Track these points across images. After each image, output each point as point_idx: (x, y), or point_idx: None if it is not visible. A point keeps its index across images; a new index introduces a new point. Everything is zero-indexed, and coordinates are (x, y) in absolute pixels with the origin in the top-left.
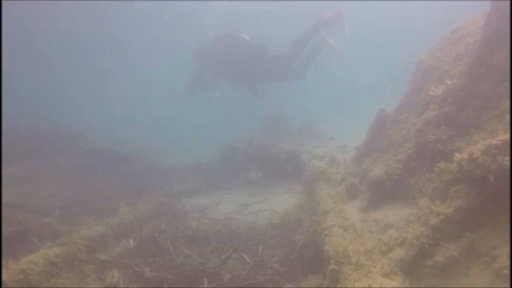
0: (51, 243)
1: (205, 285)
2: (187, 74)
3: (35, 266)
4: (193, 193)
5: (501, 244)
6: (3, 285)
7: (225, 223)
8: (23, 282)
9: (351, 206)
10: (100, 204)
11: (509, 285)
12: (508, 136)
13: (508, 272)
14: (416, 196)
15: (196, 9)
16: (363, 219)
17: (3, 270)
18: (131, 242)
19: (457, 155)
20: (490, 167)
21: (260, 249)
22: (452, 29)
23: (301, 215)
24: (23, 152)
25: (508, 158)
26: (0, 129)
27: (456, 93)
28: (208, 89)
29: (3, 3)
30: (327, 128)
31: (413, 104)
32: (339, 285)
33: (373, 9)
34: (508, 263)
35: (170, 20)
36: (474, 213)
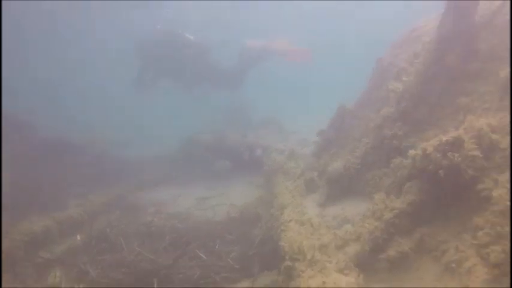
0: None
1: (155, 286)
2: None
3: None
4: (151, 186)
5: (450, 238)
6: None
7: (181, 218)
8: None
9: (310, 200)
10: (48, 196)
11: (456, 280)
12: (458, 133)
13: (455, 265)
14: (372, 191)
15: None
16: (320, 213)
17: None
18: (78, 238)
19: (412, 151)
20: (442, 163)
21: (217, 245)
22: (411, 27)
23: (259, 209)
24: None
25: (458, 155)
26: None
27: (412, 91)
28: (151, 86)
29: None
30: (290, 123)
31: (372, 100)
32: (292, 282)
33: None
34: (456, 257)
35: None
36: (426, 208)
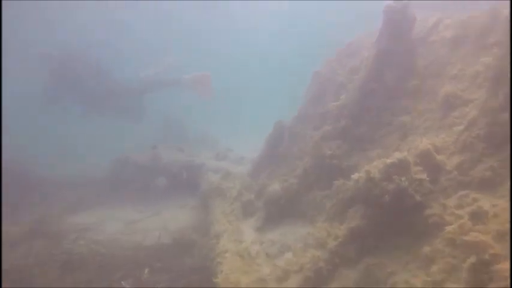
0: None
1: None
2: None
3: None
4: (77, 209)
5: (399, 269)
6: None
7: (106, 243)
8: None
9: (247, 224)
10: None
11: None
12: (403, 155)
13: None
14: (313, 214)
15: None
16: (259, 239)
17: None
18: None
19: (355, 174)
20: (388, 187)
21: (145, 274)
22: (347, 43)
23: (193, 234)
24: None
25: (404, 178)
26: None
27: (351, 108)
28: (56, 103)
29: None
30: (226, 140)
31: (311, 116)
32: None
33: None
34: None
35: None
36: (371, 235)
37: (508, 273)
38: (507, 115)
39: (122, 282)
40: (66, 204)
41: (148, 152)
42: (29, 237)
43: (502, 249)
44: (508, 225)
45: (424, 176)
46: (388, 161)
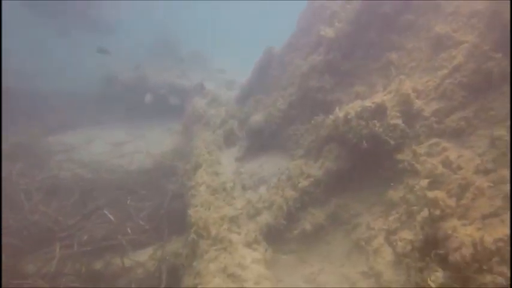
0: None
1: (57, 251)
2: None
3: None
4: (64, 127)
5: (363, 211)
6: None
7: (93, 166)
8: None
9: (228, 154)
10: None
11: (362, 258)
12: (381, 99)
13: (364, 243)
14: (293, 147)
15: None
16: (237, 170)
17: None
18: None
19: (333, 115)
20: (362, 132)
21: (128, 201)
22: None
23: (176, 160)
24: None
25: (379, 124)
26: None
27: (341, 41)
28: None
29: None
30: (220, 59)
31: (301, 44)
32: (195, 263)
33: None
34: (366, 235)
35: None
36: (342, 176)
37: (452, 231)
38: (493, 63)
39: (105, 212)
40: (54, 122)
41: (135, 71)
42: (14, 157)
43: (456, 206)
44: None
45: (399, 121)
46: (366, 104)
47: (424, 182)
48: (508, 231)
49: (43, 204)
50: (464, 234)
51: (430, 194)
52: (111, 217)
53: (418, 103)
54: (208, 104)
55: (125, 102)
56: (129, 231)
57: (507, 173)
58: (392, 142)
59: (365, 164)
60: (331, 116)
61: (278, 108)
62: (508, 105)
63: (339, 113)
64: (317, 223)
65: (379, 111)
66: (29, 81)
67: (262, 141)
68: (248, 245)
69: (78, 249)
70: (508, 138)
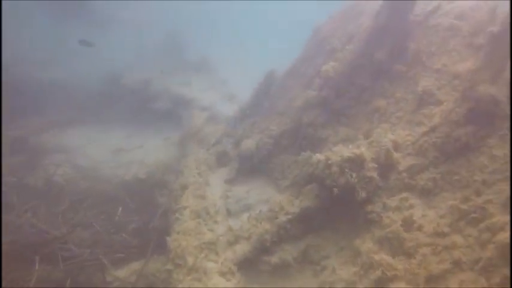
0: None
1: (37, 266)
2: None
3: None
4: (63, 123)
5: (332, 253)
6: None
7: (88, 173)
8: None
9: (218, 175)
10: None
11: None
12: (361, 150)
13: (328, 286)
14: (279, 177)
15: None
16: (225, 193)
17: None
18: None
19: (316, 156)
20: (338, 180)
21: (117, 215)
22: (352, 3)
23: (167, 175)
24: None
25: (355, 175)
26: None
27: (336, 80)
28: None
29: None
30: (226, 66)
31: (302, 72)
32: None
33: None
34: (331, 279)
35: None
36: (318, 216)
37: None
38: (463, 131)
39: (93, 224)
40: (54, 117)
41: (142, 74)
42: (11, 153)
43: (403, 270)
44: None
45: (374, 174)
46: (346, 154)
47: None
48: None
49: (32, 211)
50: None
51: (377, 257)
52: (99, 228)
53: (395, 156)
54: (207, 120)
55: (128, 104)
56: (115, 245)
57: (459, 239)
58: (364, 194)
59: (341, 208)
60: (315, 156)
61: (270, 135)
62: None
63: (322, 156)
64: (289, 259)
65: (358, 162)
66: (38, 70)
67: (252, 166)
68: (223, 274)
69: (62, 263)
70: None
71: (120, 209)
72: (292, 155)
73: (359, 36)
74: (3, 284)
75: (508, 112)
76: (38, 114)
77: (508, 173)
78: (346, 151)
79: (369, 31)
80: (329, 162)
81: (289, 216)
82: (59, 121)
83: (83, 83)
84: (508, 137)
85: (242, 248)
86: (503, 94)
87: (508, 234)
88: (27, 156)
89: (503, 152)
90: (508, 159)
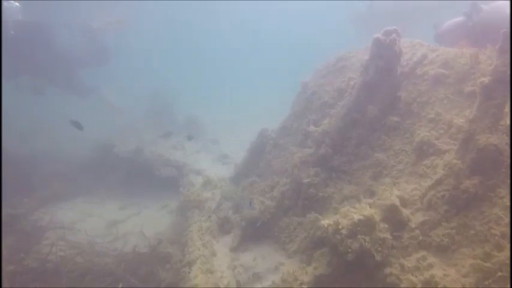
0: None
1: None
2: None
3: None
4: (56, 198)
5: None
6: None
7: (84, 248)
8: None
9: (223, 242)
10: None
11: None
12: (370, 212)
13: None
14: (286, 241)
15: None
16: (231, 263)
17: None
18: None
19: (325, 222)
20: (352, 246)
21: None
22: (337, 56)
23: (169, 247)
24: None
25: (368, 238)
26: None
27: (332, 136)
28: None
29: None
30: (212, 125)
31: (294, 130)
32: None
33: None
34: None
35: None
36: (333, 283)
37: None
38: (470, 182)
39: None
40: (45, 193)
41: (132, 143)
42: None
43: None
44: None
45: (387, 235)
46: (356, 217)
47: None
48: None
49: None
50: None
51: None
52: None
53: (405, 213)
54: (203, 185)
55: (121, 174)
56: None
57: None
58: (379, 258)
59: (356, 273)
60: (323, 221)
61: (271, 196)
62: None
63: (330, 221)
64: None
65: (369, 224)
66: (21, 143)
67: (255, 230)
68: None
69: None
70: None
71: (121, 284)
72: (296, 216)
73: (350, 91)
74: None
75: None
76: (26, 189)
77: None
78: (355, 213)
79: (358, 86)
80: (339, 227)
81: (305, 287)
82: (49, 196)
83: (72, 154)
84: None
85: None
86: (504, 142)
87: None
88: (21, 237)
89: None
90: None
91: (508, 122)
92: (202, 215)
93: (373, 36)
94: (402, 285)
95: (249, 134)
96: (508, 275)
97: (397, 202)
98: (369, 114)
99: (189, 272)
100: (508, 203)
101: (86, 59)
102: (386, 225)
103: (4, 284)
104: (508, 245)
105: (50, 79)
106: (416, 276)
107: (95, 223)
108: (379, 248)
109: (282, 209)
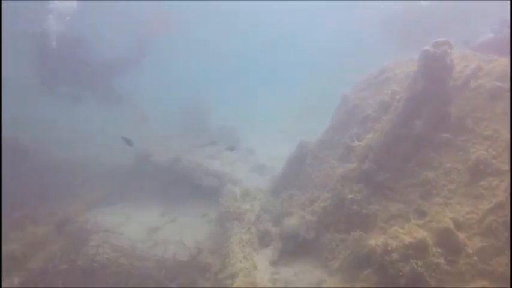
0: None
1: None
2: None
3: None
4: (100, 205)
5: None
6: None
7: (127, 252)
8: None
9: (263, 255)
10: None
11: None
12: (422, 235)
13: None
14: (328, 257)
15: None
16: (272, 277)
17: None
18: (16, 282)
19: (372, 242)
20: (404, 270)
21: None
22: (380, 68)
23: (209, 257)
24: None
25: (421, 263)
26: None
27: (376, 151)
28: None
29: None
30: (248, 135)
31: (335, 143)
32: None
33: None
34: None
35: None
36: None
37: None
38: None
39: None
40: (90, 198)
41: (169, 152)
42: (52, 239)
43: None
44: None
45: (441, 259)
46: (407, 239)
47: None
48: None
49: None
50: None
51: None
52: None
53: (460, 237)
54: (241, 196)
55: (159, 182)
56: None
57: None
58: (434, 283)
59: None
60: (370, 241)
61: (312, 211)
62: None
63: (378, 241)
64: None
65: (421, 247)
66: (64, 150)
67: (296, 245)
68: None
69: None
70: None
71: None
72: (338, 232)
73: (396, 105)
74: None
75: None
76: (71, 195)
77: None
78: (404, 235)
79: (404, 100)
80: (388, 248)
81: None
82: (92, 201)
83: (109, 162)
84: None
85: None
86: None
87: None
88: (70, 239)
89: None
90: None
91: None
92: (242, 227)
93: (421, 48)
94: None
95: (285, 143)
96: None
97: (452, 225)
98: (416, 130)
99: (232, 284)
100: None
101: (122, 63)
102: (439, 250)
103: (58, 282)
104: None
105: (86, 88)
106: None
107: (135, 228)
108: (433, 274)
109: (323, 225)
